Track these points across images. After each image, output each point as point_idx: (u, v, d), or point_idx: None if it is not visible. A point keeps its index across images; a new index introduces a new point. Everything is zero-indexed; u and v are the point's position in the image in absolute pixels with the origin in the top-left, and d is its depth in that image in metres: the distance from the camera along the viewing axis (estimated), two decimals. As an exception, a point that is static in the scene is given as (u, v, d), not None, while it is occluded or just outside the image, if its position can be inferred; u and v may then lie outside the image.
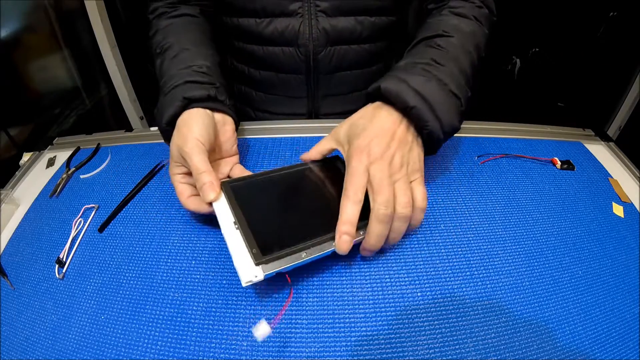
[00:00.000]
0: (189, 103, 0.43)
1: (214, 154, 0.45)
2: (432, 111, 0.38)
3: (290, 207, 0.38)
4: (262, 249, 0.33)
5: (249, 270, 0.32)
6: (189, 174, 0.40)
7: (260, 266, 0.32)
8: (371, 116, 0.40)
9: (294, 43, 0.58)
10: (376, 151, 0.36)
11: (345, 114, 0.69)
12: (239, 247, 0.34)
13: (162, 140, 0.49)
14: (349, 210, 0.34)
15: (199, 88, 0.44)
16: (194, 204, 0.40)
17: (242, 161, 0.52)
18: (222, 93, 0.46)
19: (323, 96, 0.66)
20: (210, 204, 0.38)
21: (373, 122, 0.39)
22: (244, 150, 0.54)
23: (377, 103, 0.41)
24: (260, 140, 0.56)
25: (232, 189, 0.38)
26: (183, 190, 0.40)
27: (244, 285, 0.31)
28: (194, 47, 0.50)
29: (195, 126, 0.41)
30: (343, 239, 0.34)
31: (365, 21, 0.58)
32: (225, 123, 0.46)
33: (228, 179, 0.43)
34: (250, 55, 0.62)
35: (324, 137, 0.43)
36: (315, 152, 0.43)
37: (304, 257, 0.33)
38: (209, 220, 0.44)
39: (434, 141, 0.40)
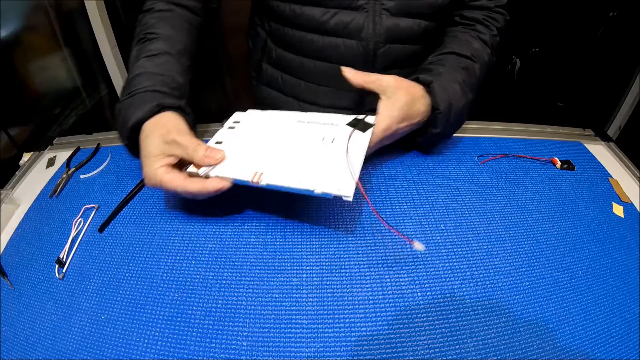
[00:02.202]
0: (162, 109, 0.43)
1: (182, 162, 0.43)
2: (447, 117, 0.48)
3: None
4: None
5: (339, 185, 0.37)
6: (172, 165, 0.40)
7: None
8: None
9: (357, 36, 0.59)
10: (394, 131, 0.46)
11: None
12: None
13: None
14: None
15: (171, 97, 0.45)
16: (196, 185, 0.38)
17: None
18: (189, 107, 0.47)
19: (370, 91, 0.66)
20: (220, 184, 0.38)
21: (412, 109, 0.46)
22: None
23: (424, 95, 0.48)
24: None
25: None
26: (173, 177, 0.38)
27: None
28: (177, 54, 0.50)
29: (179, 123, 0.42)
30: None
31: (422, 24, 0.60)
32: None
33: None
34: (307, 45, 0.63)
35: (383, 78, 0.47)
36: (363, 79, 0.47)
37: None
38: (209, 220, 0.44)
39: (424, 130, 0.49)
